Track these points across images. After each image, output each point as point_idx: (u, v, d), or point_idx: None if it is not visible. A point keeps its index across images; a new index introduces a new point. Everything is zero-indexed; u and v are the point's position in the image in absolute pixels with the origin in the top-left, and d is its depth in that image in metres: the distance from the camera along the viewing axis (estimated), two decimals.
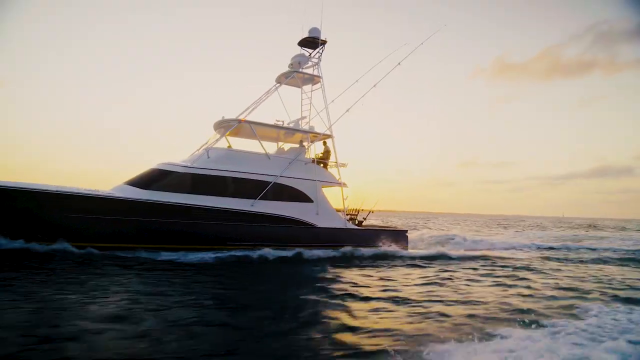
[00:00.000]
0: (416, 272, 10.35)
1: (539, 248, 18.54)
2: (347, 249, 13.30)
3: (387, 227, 16.50)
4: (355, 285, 8.15)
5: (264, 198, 12.42)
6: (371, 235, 14.37)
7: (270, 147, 15.15)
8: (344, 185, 14.46)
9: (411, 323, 5.51)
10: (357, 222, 15.33)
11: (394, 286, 8.20)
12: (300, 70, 14.72)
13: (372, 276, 9.43)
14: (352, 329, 5.09)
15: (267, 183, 12.55)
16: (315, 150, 14.79)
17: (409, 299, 6.96)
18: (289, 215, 12.80)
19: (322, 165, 14.41)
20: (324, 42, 15.18)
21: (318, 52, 15.21)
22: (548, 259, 14.67)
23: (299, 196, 13.17)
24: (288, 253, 11.61)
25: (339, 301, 6.66)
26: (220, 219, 11.59)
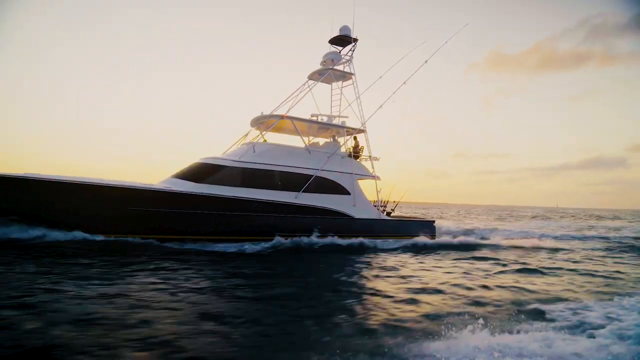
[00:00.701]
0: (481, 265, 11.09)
1: (581, 239, 19.27)
2: (383, 239, 14.00)
3: (416, 217, 17.24)
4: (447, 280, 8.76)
5: (306, 191, 13.06)
6: (404, 225, 15.11)
7: (297, 142, 15.71)
8: (378, 178, 15.14)
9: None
10: (386, 212, 16.03)
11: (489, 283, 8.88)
12: (335, 67, 15.25)
13: (441, 267, 10.15)
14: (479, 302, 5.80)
15: (310, 176, 13.18)
16: (346, 144, 15.38)
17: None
18: (329, 207, 13.46)
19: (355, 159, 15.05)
20: (355, 40, 15.72)
21: (350, 49, 15.74)
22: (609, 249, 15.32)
23: (337, 189, 13.83)
24: (342, 242, 12.36)
25: (421, 295, 7.36)
26: (269, 211, 12.22)
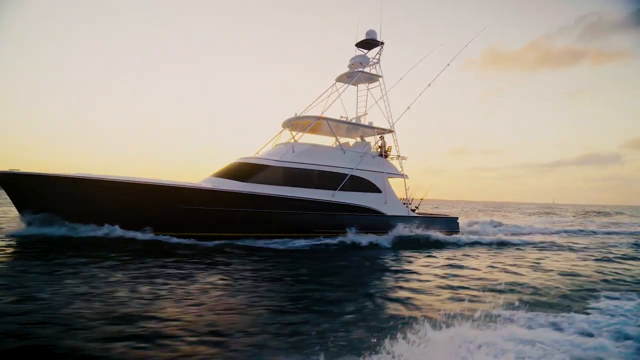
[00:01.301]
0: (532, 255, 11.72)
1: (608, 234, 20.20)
2: (409, 233, 14.57)
3: (440, 214, 17.86)
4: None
5: (342, 189, 13.64)
6: (431, 222, 15.72)
7: (326, 141, 16.26)
8: (406, 176, 15.74)
9: None
10: (410, 209, 16.63)
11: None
12: (363, 70, 15.81)
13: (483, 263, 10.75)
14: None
15: (345, 175, 13.75)
16: (376, 144, 15.90)
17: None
18: (363, 205, 14.04)
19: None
20: (382, 43, 16.28)
21: (378, 52, 16.30)
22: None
23: (370, 187, 14.41)
24: (372, 239, 12.89)
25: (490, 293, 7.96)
26: (310, 209, 12.79)
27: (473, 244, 14.11)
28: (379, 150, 15.52)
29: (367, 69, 16.20)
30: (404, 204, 16.25)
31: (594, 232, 20.82)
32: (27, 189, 10.45)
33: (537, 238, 16.70)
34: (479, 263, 9.89)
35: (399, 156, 15.83)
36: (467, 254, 11.58)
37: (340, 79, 16.20)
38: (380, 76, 16.08)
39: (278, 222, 12.30)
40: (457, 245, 13.66)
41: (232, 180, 12.30)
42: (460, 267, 9.18)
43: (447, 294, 6.45)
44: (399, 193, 15.64)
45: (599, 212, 58.40)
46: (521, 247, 13.63)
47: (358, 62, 16.02)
